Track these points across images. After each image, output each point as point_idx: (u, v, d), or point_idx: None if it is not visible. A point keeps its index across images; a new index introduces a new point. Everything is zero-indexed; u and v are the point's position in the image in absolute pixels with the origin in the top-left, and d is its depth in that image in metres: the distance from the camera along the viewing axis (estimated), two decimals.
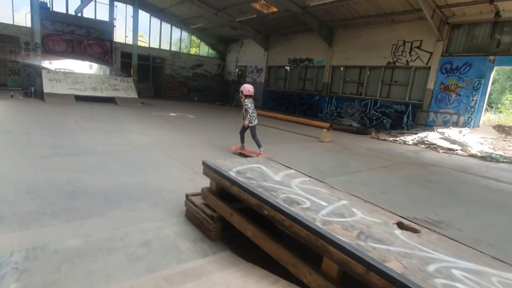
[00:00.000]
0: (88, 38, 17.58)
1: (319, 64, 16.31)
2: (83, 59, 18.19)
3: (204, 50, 22.96)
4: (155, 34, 20.46)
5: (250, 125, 5.71)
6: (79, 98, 12.91)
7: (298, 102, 17.52)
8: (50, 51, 16.56)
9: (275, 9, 15.30)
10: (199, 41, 22.59)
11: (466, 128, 10.56)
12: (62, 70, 19.24)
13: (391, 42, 12.98)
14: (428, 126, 11.61)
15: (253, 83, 20.44)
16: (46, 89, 12.01)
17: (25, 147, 4.86)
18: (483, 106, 10.75)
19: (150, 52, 20.31)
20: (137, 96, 14.25)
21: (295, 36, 17.42)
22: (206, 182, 2.83)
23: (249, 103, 5.68)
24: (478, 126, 10.68)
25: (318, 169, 5.20)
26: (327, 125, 8.65)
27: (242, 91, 5.74)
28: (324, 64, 15.90)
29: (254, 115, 5.77)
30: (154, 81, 21.00)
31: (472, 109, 10.70)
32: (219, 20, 18.85)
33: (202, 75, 22.95)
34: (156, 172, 4.18)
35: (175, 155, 5.21)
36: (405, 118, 12.64)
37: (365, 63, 14.09)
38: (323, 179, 2.85)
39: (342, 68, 15.24)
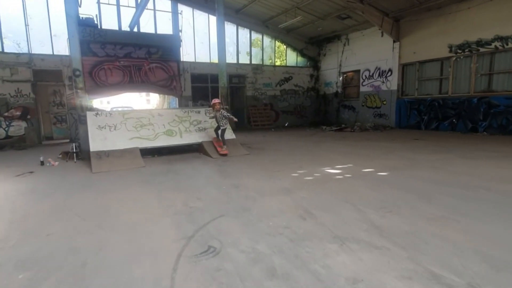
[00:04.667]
0: (149, 61, 12.73)
1: None
2: (144, 89, 13.46)
3: (291, 58, 17.11)
4: (231, 45, 15.12)
5: (222, 127, 7.60)
6: (147, 152, 7.52)
7: (484, 112, 10.40)
8: (102, 84, 11.87)
9: None
10: (284, 47, 16.83)
11: None
12: (119, 109, 14.59)
13: None
14: None
15: (375, 92, 13.93)
16: (93, 146, 6.74)
17: None
18: None
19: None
20: (234, 136, 8.51)
21: (464, 6, 10.60)
22: None
23: (218, 114, 7.62)
24: None
25: None
26: None
27: (215, 104, 7.61)
28: None
29: (225, 120, 7.62)
30: (233, 107, 15.50)
31: None
32: (327, 7, 12.87)
33: (291, 91, 17.01)
34: None
35: None
36: None
37: None
38: None
39: None
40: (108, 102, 38.31)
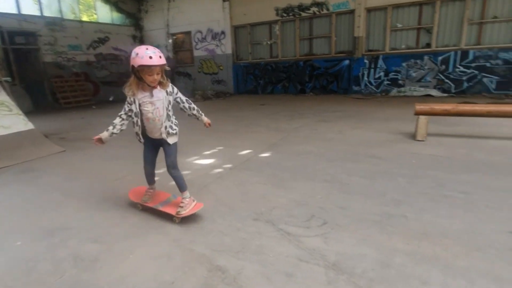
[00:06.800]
0: None
1: (340, 9, 10.38)
2: None
3: (104, 13, 13.44)
4: None
5: (168, 135, 2.49)
6: None
7: (309, 75, 11.39)
8: None
9: None
10: None
11: None
12: None
13: None
14: None
15: (210, 57, 13.14)
16: None
17: None
18: None
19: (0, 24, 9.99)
20: (32, 125, 5.43)
21: None
22: None
23: (153, 96, 2.38)
24: None
25: None
26: None
27: (152, 68, 2.18)
28: (352, 8, 10.09)
29: (173, 120, 2.57)
30: (24, 80, 10.81)
31: None
32: None
33: (111, 56, 13.65)
34: None
35: None
36: None
37: None
38: None
39: (385, 11, 9.78)
40: None
